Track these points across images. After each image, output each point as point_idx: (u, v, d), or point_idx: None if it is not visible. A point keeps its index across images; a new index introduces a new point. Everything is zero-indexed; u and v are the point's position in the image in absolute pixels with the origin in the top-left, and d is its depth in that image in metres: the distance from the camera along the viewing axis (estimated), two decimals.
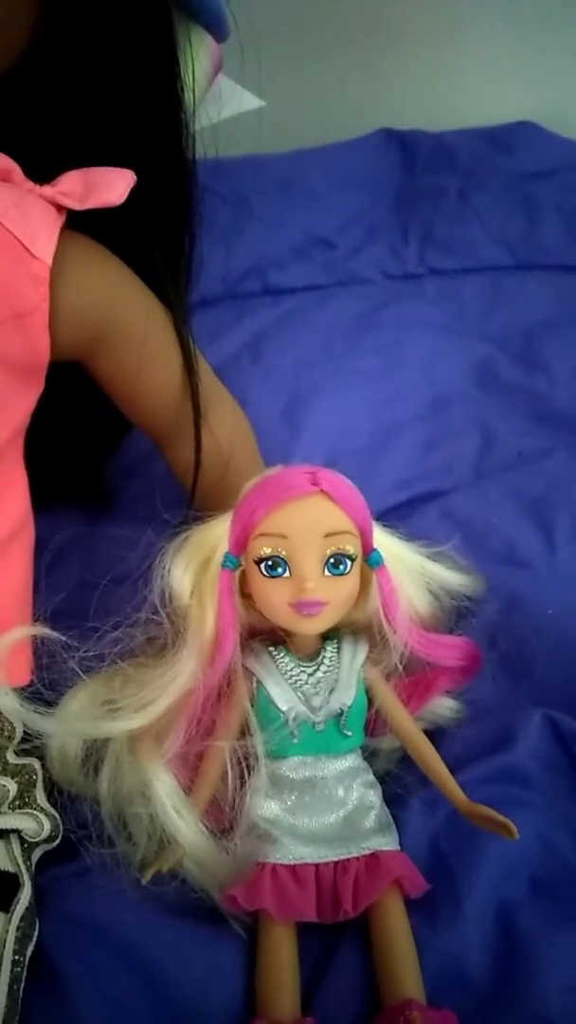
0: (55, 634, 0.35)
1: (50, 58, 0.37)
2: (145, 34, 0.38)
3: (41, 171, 0.38)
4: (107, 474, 0.54)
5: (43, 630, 0.35)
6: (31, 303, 0.36)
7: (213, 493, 0.45)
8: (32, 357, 0.37)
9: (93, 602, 0.41)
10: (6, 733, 0.37)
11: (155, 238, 0.43)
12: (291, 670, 0.37)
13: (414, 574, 0.40)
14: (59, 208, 0.38)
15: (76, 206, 0.37)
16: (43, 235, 0.36)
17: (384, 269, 0.74)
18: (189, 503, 0.44)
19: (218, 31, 0.44)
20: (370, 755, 0.39)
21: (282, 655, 0.37)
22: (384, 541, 0.39)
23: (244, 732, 0.36)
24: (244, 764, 0.35)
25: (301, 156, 0.74)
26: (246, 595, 0.38)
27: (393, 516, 0.50)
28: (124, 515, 0.53)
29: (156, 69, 0.39)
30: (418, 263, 0.74)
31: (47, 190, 0.37)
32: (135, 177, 0.38)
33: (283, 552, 0.36)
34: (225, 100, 0.51)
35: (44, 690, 0.36)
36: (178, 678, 0.35)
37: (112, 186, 0.37)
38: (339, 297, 0.71)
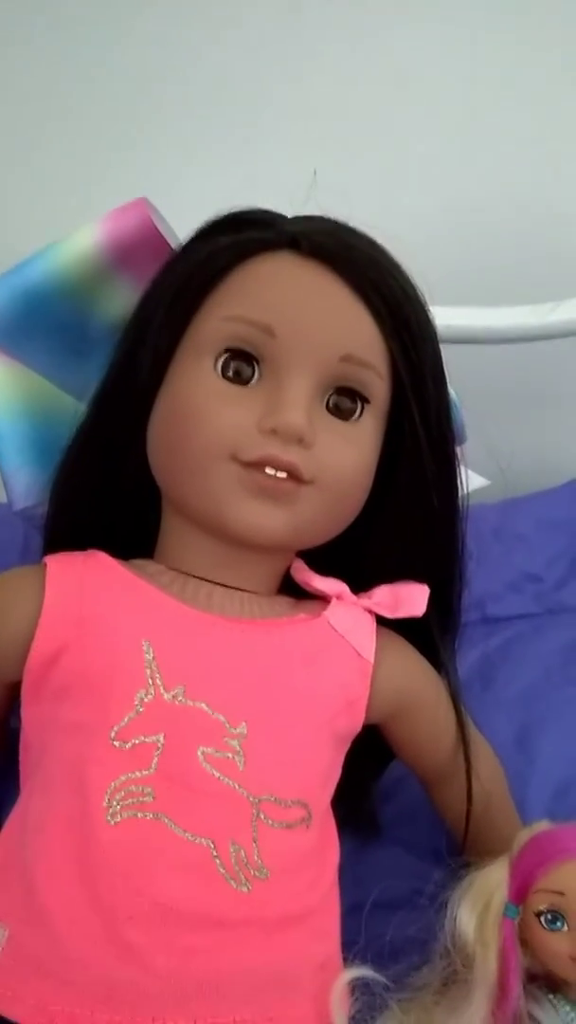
0: (381, 977, 0.41)
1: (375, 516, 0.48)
2: (447, 498, 0.50)
3: (353, 580, 0.49)
4: (374, 799, 0.60)
5: (369, 972, 0.41)
6: (358, 693, 0.47)
7: (477, 828, 0.52)
8: (351, 731, 0.48)
9: (362, 925, 0.47)
10: None
11: (436, 616, 0.51)
12: (572, 1021, 0.42)
13: None
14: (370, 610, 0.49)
15: (389, 615, 0.48)
16: (367, 640, 0.47)
17: None
18: (461, 847, 0.52)
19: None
20: None
21: (564, 1006, 0.42)
22: None
23: None
24: None
25: (510, 504, 0.88)
26: (523, 940, 0.44)
27: None
28: (384, 837, 0.60)
29: (449, 510, 0.50)
30: None
31: (366, 602, 0.48)
32: (428, 590, 0.49)
33: (561, 907, 0.42)
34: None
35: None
36: None
37: (416, 601, 0.48)
38: (550, 626, 0.80)
